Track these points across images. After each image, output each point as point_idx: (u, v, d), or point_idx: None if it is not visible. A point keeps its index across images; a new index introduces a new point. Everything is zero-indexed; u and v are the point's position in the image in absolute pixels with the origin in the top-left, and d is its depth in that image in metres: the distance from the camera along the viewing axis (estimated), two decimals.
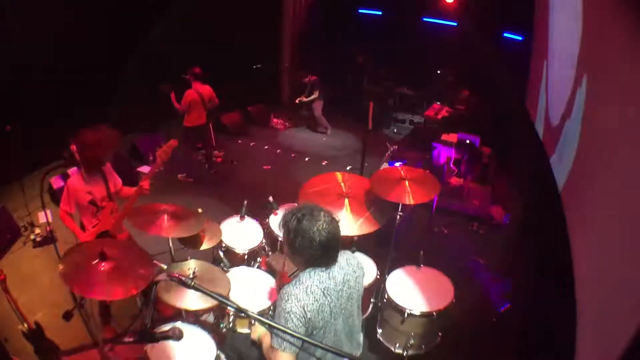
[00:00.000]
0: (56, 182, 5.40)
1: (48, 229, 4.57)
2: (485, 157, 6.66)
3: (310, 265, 2.07)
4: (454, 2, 8.60)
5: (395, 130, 9.34)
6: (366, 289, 3.19)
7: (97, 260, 2.14)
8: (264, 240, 3.68)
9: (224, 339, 2.82)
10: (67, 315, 2.57)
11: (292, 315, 1.95)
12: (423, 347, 3.24)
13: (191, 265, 2.82)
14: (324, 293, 2.02)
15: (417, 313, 3.05)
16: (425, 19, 9.46)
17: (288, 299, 1.98)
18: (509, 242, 5.14)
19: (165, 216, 3.00)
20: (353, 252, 3.42)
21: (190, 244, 3.28)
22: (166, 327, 1.93)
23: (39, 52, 5.88)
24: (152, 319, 1.99)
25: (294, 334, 1.85)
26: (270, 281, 3.21)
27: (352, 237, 3.31)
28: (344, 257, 2.21)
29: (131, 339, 1.97)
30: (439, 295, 3.18)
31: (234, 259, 3.50)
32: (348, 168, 3.58)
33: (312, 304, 1.98)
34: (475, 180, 6.39)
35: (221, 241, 3.43)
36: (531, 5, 5.76)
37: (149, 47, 7.20)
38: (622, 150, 2.08)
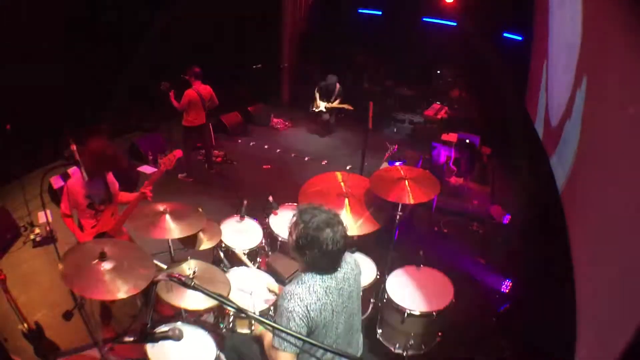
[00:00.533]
0: (56, 182, 5.40)
1: (48, 228, 4.57)
2: (485, 157, 6.67)
3: (314, 270, 2.07)
4: (454, 2, 8.60)
5: (395, 130, 9.34)
6: (366, 289, 3.20)
7: (97, 260, 2.14)
8: (263, 240, 3.68)
9: (224, 339, 2.82)
10: (67, 315, 2.57)
11: (294, 315, 1.96)
12: (423, 347, 3.24)
13: (191, 265, 2.82)
14: (326, 292, 2.04)
15: (417, 313, 3.05)
16: (425, 19, 9.45)
17: (291, 299, 1.99)
18: (509, 242, 5.15)
19: (167, 216, 3.00)
20: (353, 252, 3.42)
21: (190, 244, 3.28)
22: (166, 327, 1.92)
23: (39, 51, 5.89)
24: (152, 319, 1.99)
25: (295, 334, 1.85)
26: (269, 281, 3.21)
27: (352, 237, 3.31)
28: (344, 255, 2.20)
29: (131, 339, 1.96)
30: (438, 295, 3.18)
31: (234, 259, 3.50)
32: (348, 168, 3.56)
33: (315, 302, 1.99)
34: (475, 180, 6.39)
35: (221, 241, 3.43)
36: (531, 6, 5.76)
37: (149, 47, 7.20)
38: (622, 150, 2.08)
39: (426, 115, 8.58)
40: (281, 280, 3.23)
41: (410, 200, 3.24)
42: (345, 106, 8.40)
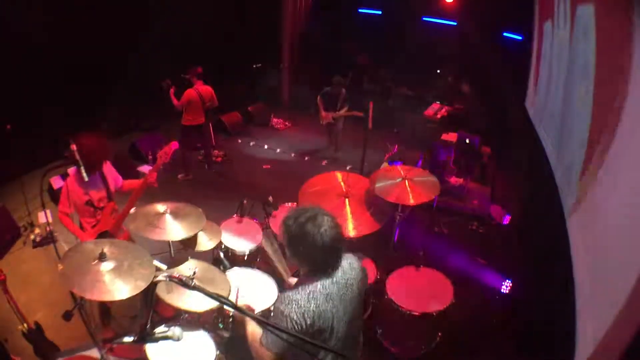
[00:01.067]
0: (56, 182, 5.40)
1: (48, 229, 4.57)
2: (485, 156, 6.67)
3: (313, 270, 2.03)
4: (454, 2, 8.60)
5: (395, 130, 9.34)
6: (366, 289, 3.20)
7: (97, 260, 2.14)
8: (263, 240, 3.67)
9: (223, 340, 2.82)
10: (67, 316, 2.57)
11: (289, 321, 1.92)
12: (423, 347, 3.25)
13: (191, 266, 2.82)
14: (326, 299, 1.99)
15: (417, 313, 3.05)
16: (425, 19, 9.45)
17: (289, 304, 1.95)
18: (509, 241, 5.15)
19: (166, 217, 2.98)
20: (360, 258, 3.40)
21: (190, 244, 3.28)
22: (166, 328, 1.92)
23: (39, 51, 5.89)
24: (151, 319, 1.99)
25: (294, 333, 1.84)
26: (269, 281, 3.21)
27: (352, 237, 3.31)
28: (348, 261, 2.16)
29: (131, 340, 1.96)
30: (438, 296, 3.18)
31: (234, 260, 3.50)
32: (348, 168, 3.57)
33: (314, 310, 1.94)
34: (475, 180, 6.40)
35: (221, 242, 3.43)
36: (531, 6, 5.76)
37: (150, 47, 7.20)
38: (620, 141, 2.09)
39: (426, 115, 8.58)
40: (280, 280, 3.23)
41: (410, 200, 3.24)
42: (355, 113, 7.50)
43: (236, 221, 3.82)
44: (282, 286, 3.06)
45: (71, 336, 3.28)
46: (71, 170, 3.24)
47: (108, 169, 3.31)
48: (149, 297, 1.94)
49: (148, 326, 1.93)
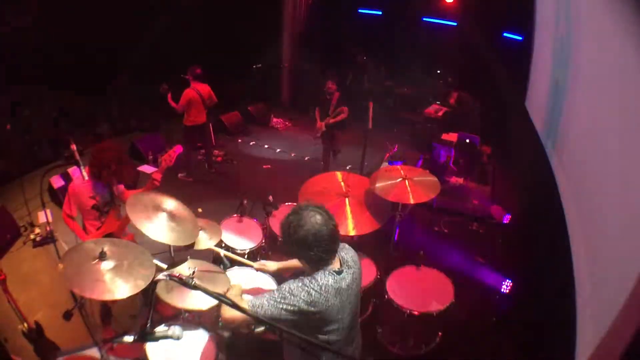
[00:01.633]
0: (56, 182, 5.40)
1: (48, 228, 4.56)
2: (485, 156, 6.67)
3: (316, 263, 2.04)
4: (454, 2, 8.60)
5: (395, 130, 9.34)
6: (366, 289, 3.20)
7: (97, 260, 2.14)
8: (263, 240, 3.68)
9: (223, 339, 2.82)
10: (67, 315, 2.57)
11: (292, 303, 1.94)
12: (423, 346, 3.25)
13: (191, 265, 2.81)
14: (336, 293, 2.01)
15: (417, 313, 3.05)
16: (425, 19, 9.45)
17: (302, 291, 1.96)
18: (509, 241, 5.15)
19: (165, 214, 2.96)
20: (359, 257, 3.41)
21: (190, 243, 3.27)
22: (166, 327, 1.92)
23: (39, 51, 5.89)
24: (151, 318, 1.99)
25: (295, 333, 1.85)
26: (269, 280, 3.21)
27: (352, 237, 3.31)
28: (350, 255, 2.20)
29: (131, 339, 1.96)
30: (438, 295, 3.18)
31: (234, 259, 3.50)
32: (348, 168, 3.57)
33: (323, 303, 1.96)
34: (475, 180, 6.39)
35: (221, 241, 3.43)
36: (531, 6, 5.75)
37: (149, 47, 7.21)
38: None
39: (426, 115, 8.58)
40: (280, 279, 3.23)
41: (410, 200, 3.24)
42: (342, 117, 6.28)
43: (236, 221, 3.82)
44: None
45: (71, 336, 3.27)
46: (72, 170, 3.24)
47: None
48: (149, 297, 1.94)
49: (148, 325, 1.93)
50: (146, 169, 6.63)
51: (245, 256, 3.50)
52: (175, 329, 1.92)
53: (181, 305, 2.59)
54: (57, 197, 5.21)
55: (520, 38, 7.84)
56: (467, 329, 3.71)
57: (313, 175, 3.74)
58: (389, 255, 3.62)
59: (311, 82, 9.87)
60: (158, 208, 2.88)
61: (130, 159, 3.25)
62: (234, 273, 3.24)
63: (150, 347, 2.40)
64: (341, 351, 2.14)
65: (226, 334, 2.91)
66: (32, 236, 4.74)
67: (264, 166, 7.26)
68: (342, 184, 3.47)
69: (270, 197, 3.73)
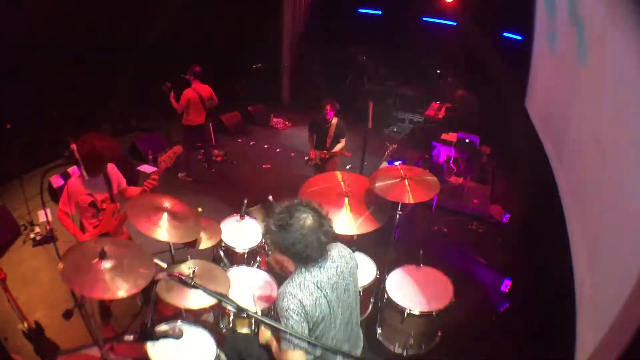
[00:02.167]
0: (56, 181, 5.40)
1: (48, 227, 4.57)
2: (485, 156, 6.67)
3: (303, 262, 2.07)
4: (454, 2, 8.60)
5: (395, 130, 9.35)
6: (366, 289, 3.20)
7: (97, 259, 2.14)
8: (263, 240, 3.68)
9: (224, 339, 2.82)
10: (67, 314, 2.57)
11: (291, 312, 1.97)
12: (423, 346, 3.25)
13: (191, 265, 2.82)
14: (317, 286, 2.04)
15: (417, 312, 3.05)
16: (425, 19, 9.45)
17: (284, 297, 2.00)
18: (509, 241, 5.15)
19: (165, 214, 2.97)
20: (353, 251, 3.42)
21: (190, 243, 3.28)
22: (166, 326, 1.93)
23: (39, 51, 5.89)
24: (152, 318, 1.99)
25: (296, 334, 1.87)
26: (269, 280, 3.21)
27: (351, 236, 3.31)
28: (336, 249, 2.22)
29: (131, 338, 1.96)
30: (438, 295, 3.18)
31: (234, 259, 3.51)
32: (348, 167, 3.57)
33: (308, 298, 1.99)
34: (474, 180, 6.40)
35: (221, 240, 3.43)
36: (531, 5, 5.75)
37: (149, 47, 7.20)
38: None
39: (426, 115, 8.59)
40: (281, 279, 3.24)
41: (410, 199, 3.24)
42: (344, 152, 5.47)
43: (236, 220, 3.82)
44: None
45: (71, 335, 3.27)
46: (73, 170, 3.24)
47: (112, 170, 3.30)
48: (149, 296, 1.95)
49: (148, 325, 1.94)
50: (146, 168, 6.64)
51: (245, 255, 3.52)
52: (176, 328, 1.92)
53: (181, 305, 2.59)
54: (57, 197, 5.17)
55: (520, 38, 7.84)
56: (467, 328, 3.71)
57: (313, 174, 3.74)
58: (388, 254, 3.61)
59: (311, 82, 9.92)
60: (158, 209, 2.90)
61: (116, 142, 3.23)
62: (234, 273, 3.24)
63: (150, 347, 2.40)
64: (338, 348, 2.15)
65: (226, 333, 2.92)
66: (32, 235, 4.74)
67: (264, 166, 7.26)
68: (342, 183, 3.47)
69: (270, 197, 3.73)
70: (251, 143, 8.31)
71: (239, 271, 3.29)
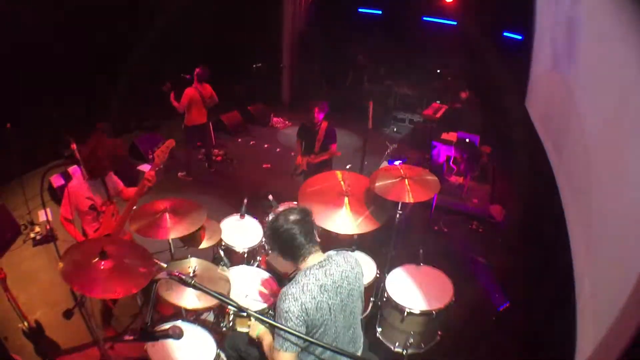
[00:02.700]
0: (56, 181, 5.40)
1: (48, 227, 4.57)
2: (485, 156, 6.67)
3: (292, 255, 2.16)
4: (454, 2, 8.60)
5: (395, 129, 9.35)
6: (366, 288, 3.19)
7: (97, 258, 2.14)
8: (263, 239, 3.68)
9: (224, 338, 2.82)
10: (68, 314, 2.57)
11: (290, 315, 1.98)
12: (422, 345, 3.25)
13: (191, 264, 2.82)
14: (320, 290, 2.05)
15: (417, 312, 3.05)
16: (425, 18, 9.45)
17: (285, 299, 2.01)
18: (509, 241, 5.15)
19: (167, 215, 2.99)
20: (353, 251, 3.43)
21: (191, 242, 3.28)
22: (166, 326, 1.93)
23: (39, 51, 5.88)
24: (152, 317, 1.99)
25: (296, 333, 1.88)
26: (269, 280, 3.21)
27: (352, 235, 3.31)
28: (341, 255, 2.26)
29: (131, 338, 1.97)
30: (438, 294, 3.18)
31: (234, 258, 3.51)
32: (348, 167, 3.57)
33: (310, 301, 2.01)
34: (474, 179, 6.40)
35: (221, 240, 3.43)
36: (531, 5, 5.76)
37: (150, 47, 7.20)
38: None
39: (426, 114, 8.58)
40: (281, 279, 3.24)
41: (410, 199, 3.23)
42: (333, 153, 5.11)
43: (236, 220, 3.82)
44: (282, 284, 3.06)
45: (72, 334, 3.28)
46: (72, 170, 3.24)
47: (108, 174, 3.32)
48: (149, 295, 1.95)
49: (148, 324, 1.94)
50: (146, 168, 6.63)
51: (245, 255, 3.52)
52: (176, 328, 1.92)
53: (181, 304, 2.59)
54: (57, 196, 5.21)
55: (520, 38, 7.84)
56: (467, 328, 3.72)
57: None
58: (388, 253, 3.61)
59: (311, 82, 9.91)
60: (159, 213, 2.94)
61: (118, 144, 3.26)
62: (235, 273, 3.24)
63: (150, 346, 2.40)
64: (338, 349, 2.15)
65: (226, 332, 2.92)
66: (32, 235, 4.75)
67: (264, 165, 7.26)
68: (342, 183, 3.47)
69: (270, 196, 3.74)
70: (251, 143, 8.31)
71: (239, 271, 3.28)
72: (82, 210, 3.18)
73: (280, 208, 3.80)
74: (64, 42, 6.20)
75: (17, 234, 4.80)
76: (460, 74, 9.08)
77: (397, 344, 3.26)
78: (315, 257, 2.17)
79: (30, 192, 5.13)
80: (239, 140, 8.35)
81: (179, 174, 6.51)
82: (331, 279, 2.11)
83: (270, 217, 2.27)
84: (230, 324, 2.96)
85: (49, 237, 4.63)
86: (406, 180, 3.34)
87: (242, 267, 3.34)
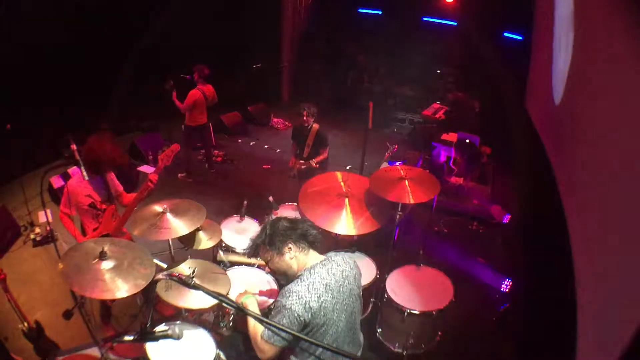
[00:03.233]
0: (56, 181, 5.40)
1: (48, 228, 4.57)
2: (485, 156, 6.67)
3: (283, 246, 2.21)
4: (454, 2, 8.60)
5: (395, 130, 9.35)
6: (366, 289, 3.20)
7: (97, 259, 2.14)
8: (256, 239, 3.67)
9: (223, 338, 2.82)
10: (67, 314, 2.57)
11: (289, 312, 1.99)
12: (422, 346, 3.25)
13: (191, 265, 2.82)
14: (326, 289, 2.07)
15: (417, 312, 3.05)
16: (425, 19, 9.45)
17: (289, 296, 2.03)
18: (509, 241, 5.15)
19: (167, 215, 2.99)
20: (353, 252, 3.43)
21: (190, 243, 3.28)
22: (166, 326, 1.92)
23: (39, 51, 5.89)
24: (152, 318, 1.99)
25: (290, 331, 1.91)
26: (269, 279, 3.21)
27: (352, 236, 3.31)
28: (340, 255, 2.30)
29: (131, 338, 1.97)
30: (438, 295, 3.19)
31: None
32: (348, 167, 3.57)
33: (315, 300, 2.02)
34: (474, 180, 6.40)
35: (221, 241, 3.43)
36: (531, 5, 5.75)
37: (150, 47, 7.20)
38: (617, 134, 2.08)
39: (425, 115, 8.59)
40: (280, 280, 3.24)
41: (410, 200, 3.24)
42: (320, 158, 4.92)
43: (236, 221, 3.82)
44: (283, 284, 3.06)
45: (71, 335, 3.28)
46: (72, 170, 3.24)
47: (110, 176, 3.32)
48: (149, 296, 1.95)
49: (148, 325, 1.94)
50: (146, 169, 6.63)
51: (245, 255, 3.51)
52: (176, 328, 1.92)
53: (181, 305, 2.59)
54: (57, 197, 5.20)
55: (520, 38, 7.84)
56: (467, 328, 3.72)
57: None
58: (388, 254, 3.62)
59: (311, 82, 9.90)
60: (159, 215, 2.94)
61: (119, 152, 3.27)
62: (235, 273, 3.24)
63: (150, 347, 2.40)
64: (338, 349, 2.16)
65: (226, 332, 2.92)
66: (32, 235, 4.74)
67: (264, 166, 7.26)
68: (342, 184, 3.47)
69: (270, 198, 3.74)
70: (251, 143, 8.31)
71: (239, 271, 3.29)
72: (82, 208, 3.18)
73: (281, 209, 3.82)
74: (64, 42, 6.20)
75: (17, 235, 4.80)
76: (460, 74, 9.09)
77: (397, 344, 3.26)
78: (315, 256, 2.19)
79: (30, 192, 5.12)
80: (239, 140, 8.36)
81: (179, 175, 6.51)
82: (334, 277, 2.14)
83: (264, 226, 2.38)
84: (230, 324, 2.96)
85: (49, 238, 4.63)
86: (406, 181, 3.34)
87: (242, 268, 3.33)
